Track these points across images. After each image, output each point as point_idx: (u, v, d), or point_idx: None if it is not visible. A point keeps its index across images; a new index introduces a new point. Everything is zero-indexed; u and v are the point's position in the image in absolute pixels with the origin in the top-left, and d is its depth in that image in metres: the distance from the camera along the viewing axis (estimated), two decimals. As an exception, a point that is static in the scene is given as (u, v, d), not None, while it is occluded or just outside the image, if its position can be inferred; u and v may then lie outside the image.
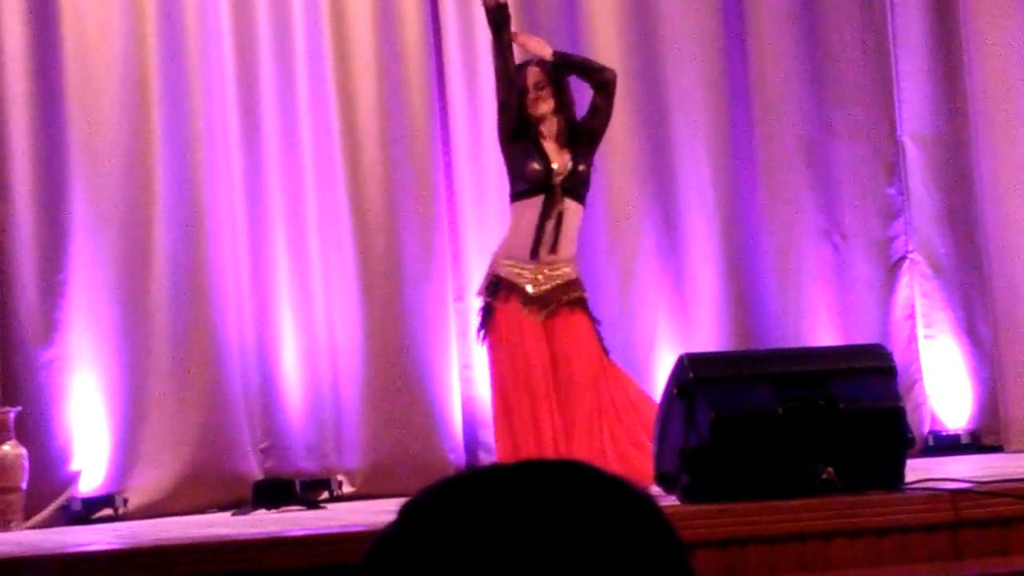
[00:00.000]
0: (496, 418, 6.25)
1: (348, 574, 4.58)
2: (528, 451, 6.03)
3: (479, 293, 6.37)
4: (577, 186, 6.30)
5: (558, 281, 6.27)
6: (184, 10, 7.70)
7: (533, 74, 6.37)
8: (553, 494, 1.16)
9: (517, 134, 6.30)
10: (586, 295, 6.36)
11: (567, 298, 6.27)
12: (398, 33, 8.00)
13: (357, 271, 7.81)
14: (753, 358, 6.00)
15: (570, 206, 6.28)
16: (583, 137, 6.33)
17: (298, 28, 7.92)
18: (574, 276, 6.34)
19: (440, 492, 1.19)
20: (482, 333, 6.28)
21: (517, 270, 6.24)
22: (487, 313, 6.26)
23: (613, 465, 5.87)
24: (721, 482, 5.07)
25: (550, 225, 6.24)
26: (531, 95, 6.32)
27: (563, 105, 6.36)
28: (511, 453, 6.14)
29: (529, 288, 6.22)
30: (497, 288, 6.25)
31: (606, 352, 6.30)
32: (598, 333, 6.31)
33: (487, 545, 1.13)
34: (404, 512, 1.18)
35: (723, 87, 8.25)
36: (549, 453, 5.96)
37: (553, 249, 6.24)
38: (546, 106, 6.32)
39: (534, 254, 6.23)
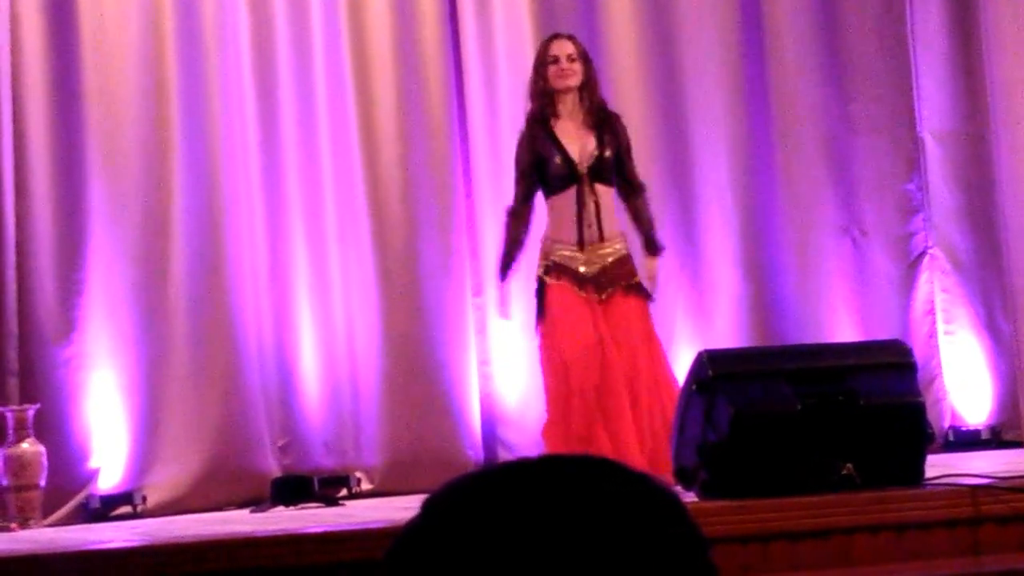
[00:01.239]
0: (552, 400, 6.19)
1: (369, 570, 4.58)
2: (585, 427, 6.00)
3: (537, 277, 6.33)
4: (604, 171, 6.28)
5: (611, 258, 6.26)
6: (202, 8, 7.71)
7: (565, 46, 6.34)
8: (576, 489, 1.16)
9: (532, 138, 6.28)
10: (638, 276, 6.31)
11: (625, 283, 6.25)
12: (416, 30, 7.99)
13: (375, 268, 7.81)
14: (772, 354, 5.97)
15: (601, 191, 6.26)
16: (609, 129, 6.30)
17: (316, 25, 7.92)
18: (625, 251, 6.33)
19: (463, 487, 1.19)
20: (537, 313, 6.25)
21: (569, 253, 6.23)
22: (541, 294, 6.24)
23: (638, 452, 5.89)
24: (740, 478, 5.05)
25: (588, 215, 6.21)
26: (562, 65, 6.29)
27: (590, 81, 6.34)
28: (570, 428, 6.08)
29: (582, 269, 6.21)
30: (550, 271, 6.24)
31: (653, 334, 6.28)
32: (649, 315, 6.29)
33: (510, 539, 1.12)
34: (427, 507, 1.18)
35: (742, 83, 8.23)
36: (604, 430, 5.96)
37: (600, 237, 6.23)
38: (575, 79, 6.30)
39: (581, 246, 6.21)
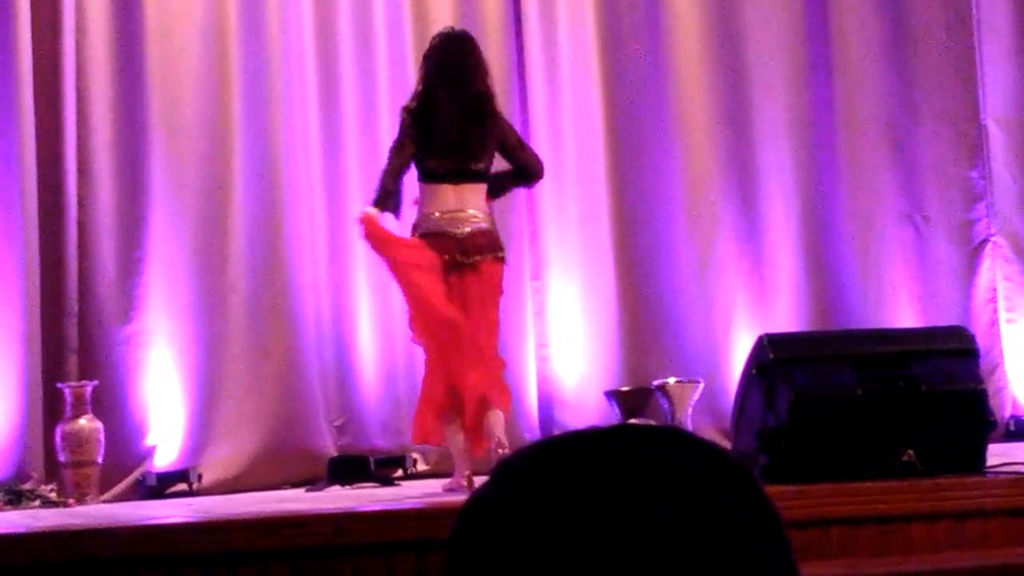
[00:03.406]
0: None
1: (423, 549, 4.56)
2: None
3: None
4: None
5: None
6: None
7: None
8: (648, 457, 1.13)
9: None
10: None
11: None
12: (479, 14, 7.97)
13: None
14: (833, 339, 5.93)
15: None
16: None
17: (378, 8, 7.91)
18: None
19: (534, 453, 1.16)
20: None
21: None
22: None
23: None
24: (799, 463, 5.02)
25: None
26: None
27: None
28: None
29: None
30: None
31: None
32: None
33: (582, 507, 1.10)
34: (497, 473, 1.15)
35: (805, 70, 8.17)
36: None
37: None
38: None
39: None
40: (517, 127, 7.94)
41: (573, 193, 7.96)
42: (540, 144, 8.02)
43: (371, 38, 7.91)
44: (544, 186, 7.94)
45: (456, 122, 6.29)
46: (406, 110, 6.43)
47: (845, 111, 8.15)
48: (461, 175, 6.34)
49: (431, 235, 6.31)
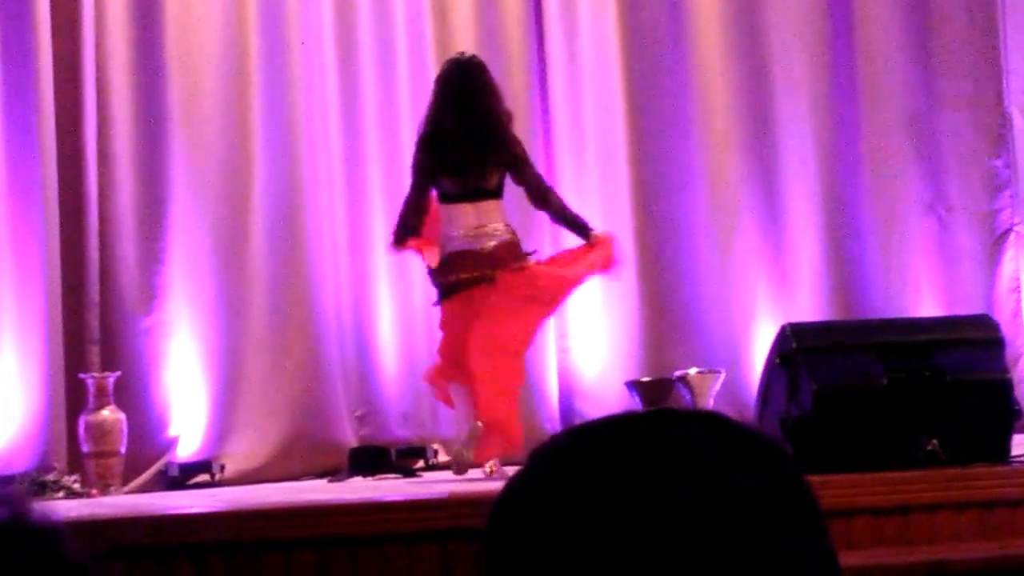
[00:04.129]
0: None
1: (445, 538, 4.56)
2: None
3: None
4: None
5: None
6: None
7: None
8: (677, 440, 1.13)
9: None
10: None
11: None
12: (499, 10, 7.96)
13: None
14: (857, 328, 5.92)
15: None
16: None
17: (399, 5, 7.90)
18: None
19: (567, 440, 1.16)
20: None
21: None
22: None
23: None
24: (824, 453, 5.00)
25: None
26: None
27: None
28: None
29: None
30: None
31: None
32: None
33: (610, 493, 1.10)
34: (534, 458, 1.15)
35: (827, 57, 8.14)
36: None
37: None
38: None
39: None
40: (538, 122, 7.96)
41: (594, 184, 7.95)
42: (561, 136, 8.02)
43: (391, 27, 7.89)
44: (565, 177, 7.94)
45: (462, 143, 6.44)
46: (417, 141, 6.65)
47: (868, 100, 8.12)
48: (478, 193, 6.50)
49: (456, 254, 6.45)
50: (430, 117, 6.62)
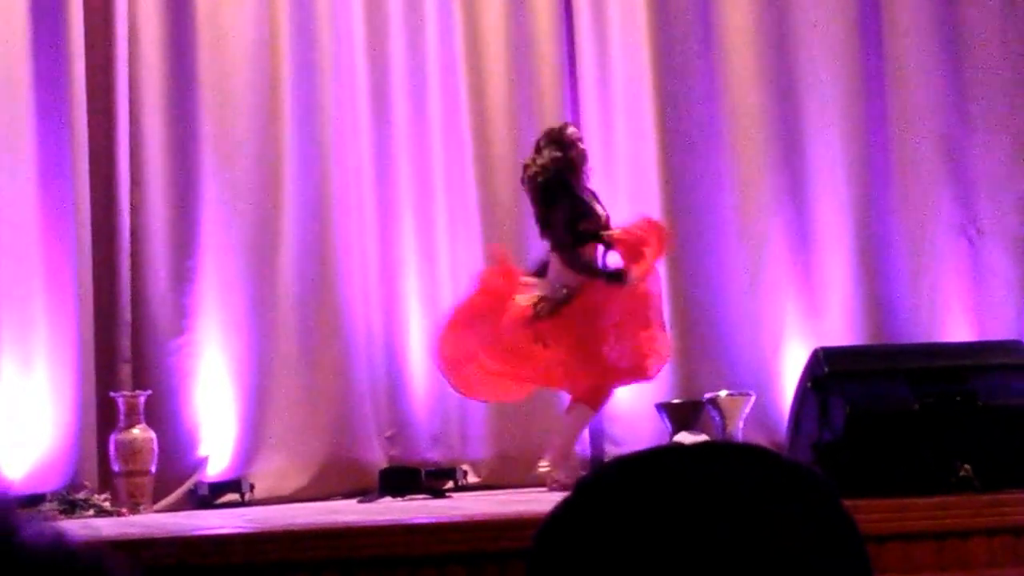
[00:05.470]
0: None
1: (476, 561, 4.56)
2: None
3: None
4: None
5: None
6: (317, 1, 7.75)
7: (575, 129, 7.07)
8: (713, 474, 1.14)
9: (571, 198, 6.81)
10: None
11: None
12: (529, 21, 7.97)
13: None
14: (889, 353, 5.90)
15: None
16: None
17: (430, 17, 7.92)
18: None
19: (610, 473, 1.18)
20: None
21: None
22: None
23: None
24: (855, 478, 4.98)
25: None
26: (583, 146, 6.97)
27: None
28: None
29: None
30: None
31: None
32: None
33: (650, 527, 1.11)
34: (580, 489, 1.17)
35: (858, 77, 8.13)
36: None
37: None
38: None
39: None
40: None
41: (623, 203, 7.94)
42: (591, 148, 8.00)
43: (422, 51, 7.91)
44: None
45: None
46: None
47: (898, 121, 8.10)
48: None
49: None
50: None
